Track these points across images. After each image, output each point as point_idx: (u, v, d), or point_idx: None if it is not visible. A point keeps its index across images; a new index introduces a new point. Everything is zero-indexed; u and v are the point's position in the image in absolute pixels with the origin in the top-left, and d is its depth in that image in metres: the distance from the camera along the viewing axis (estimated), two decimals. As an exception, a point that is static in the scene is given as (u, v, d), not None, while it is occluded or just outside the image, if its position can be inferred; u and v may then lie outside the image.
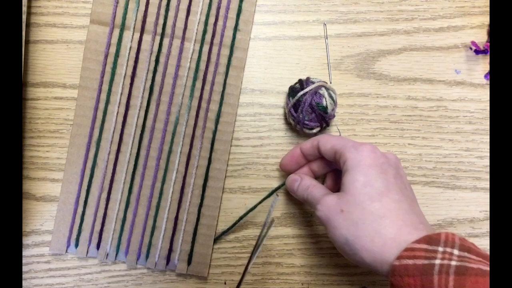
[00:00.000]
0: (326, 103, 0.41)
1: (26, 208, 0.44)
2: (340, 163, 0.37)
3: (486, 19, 0.47)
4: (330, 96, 0.42)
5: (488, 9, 0.47)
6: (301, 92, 0.41)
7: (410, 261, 0.30)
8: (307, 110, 0.41)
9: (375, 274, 0.45)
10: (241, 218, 0.44)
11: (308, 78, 0.42)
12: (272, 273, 0.45)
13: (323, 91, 0.41)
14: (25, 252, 0.44)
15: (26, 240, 0.44)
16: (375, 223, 0.33)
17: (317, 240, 0.45)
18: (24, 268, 0.44)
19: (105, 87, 0.44)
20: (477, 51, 0.46)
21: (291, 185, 0.41)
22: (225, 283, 0.45)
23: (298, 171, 0.42)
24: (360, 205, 0.34)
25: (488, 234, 0.46)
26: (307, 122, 0.42)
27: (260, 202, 0.44)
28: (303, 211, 0.45)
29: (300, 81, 0.43)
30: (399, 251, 0.31)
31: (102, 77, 0.44)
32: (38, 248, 0.44)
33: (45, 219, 0.45)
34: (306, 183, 0.39)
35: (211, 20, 0.45)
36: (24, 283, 0.44)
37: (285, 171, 0.43)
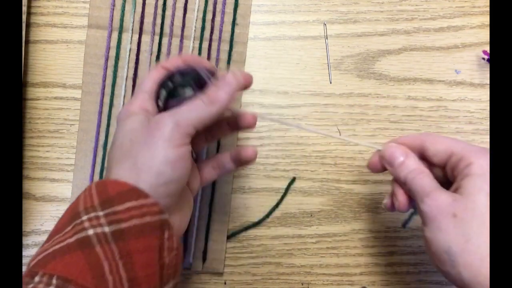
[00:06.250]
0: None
1: (26, 208, 0.44)
2: (457, 167, 0.32)
3: (486, 19, 0.47)
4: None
5: (488, 9, 0.47)
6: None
7: None
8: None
9: (375, 274, 0.45)
10: (267, 216, 0.44)
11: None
12: (272, 273, 0.45)
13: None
14: (25, 252, 0.44)
15: (26, 240, 0.44)
16: None
17: (317, 240, 0.45)
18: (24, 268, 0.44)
19: (108, 90, 0.44)
20: (490, 60, 0.45)
21: (391, 159, 0.34)
22: (225, 283, 0.45)
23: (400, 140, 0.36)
24: (480, 217, 0.30)
25: (488, 234, 0.46)
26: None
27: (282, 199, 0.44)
28: (303, 211, 0.45)
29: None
30: None
31: (104, 80, 0.44)
32: (38, 248, 0.44)
33: (45, 219, 0.44)
34: (411, 166, 0.34)
35: (209, 16, 0.45)
36: (24, 283, 0.44)
37: (372, 171, 0.38)
